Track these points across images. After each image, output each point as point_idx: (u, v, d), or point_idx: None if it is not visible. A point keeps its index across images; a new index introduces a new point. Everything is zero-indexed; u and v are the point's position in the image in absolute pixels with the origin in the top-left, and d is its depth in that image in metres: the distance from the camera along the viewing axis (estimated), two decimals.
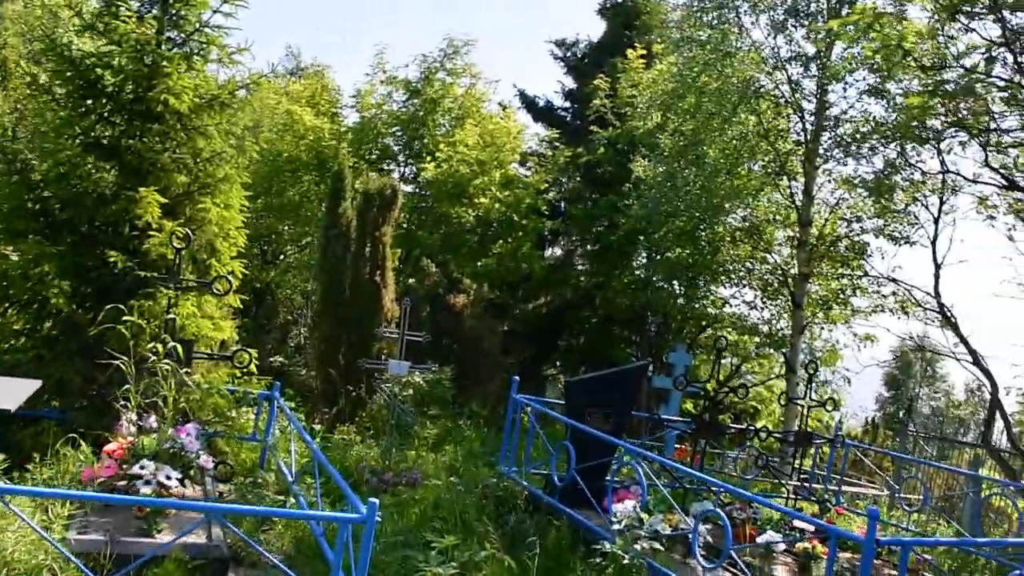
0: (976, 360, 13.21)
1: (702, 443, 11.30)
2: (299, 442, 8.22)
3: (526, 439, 10.97)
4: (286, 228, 21.01)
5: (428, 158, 19.65)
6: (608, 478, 10.94)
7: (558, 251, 26.76)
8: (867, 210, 15.90)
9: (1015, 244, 13.22)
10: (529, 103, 27.21)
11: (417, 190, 20.47)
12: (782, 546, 8.85)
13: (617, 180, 22.28)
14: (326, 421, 14.30)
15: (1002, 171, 12.53)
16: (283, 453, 8.66)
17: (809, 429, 11.66)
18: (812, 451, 12.78)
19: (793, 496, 10.82)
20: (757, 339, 19.48)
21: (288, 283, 20.12)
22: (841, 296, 16.85)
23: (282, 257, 21.14)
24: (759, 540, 8.74)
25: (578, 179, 24.30)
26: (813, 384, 12.40)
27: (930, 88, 11.72)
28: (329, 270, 14.82)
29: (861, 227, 16.19)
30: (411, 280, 18.13)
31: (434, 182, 19.44)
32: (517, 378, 11.14)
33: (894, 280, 14.85)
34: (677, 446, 18.78)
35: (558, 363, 26.52)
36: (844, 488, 12.96)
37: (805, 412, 11.35)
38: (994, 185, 12.66)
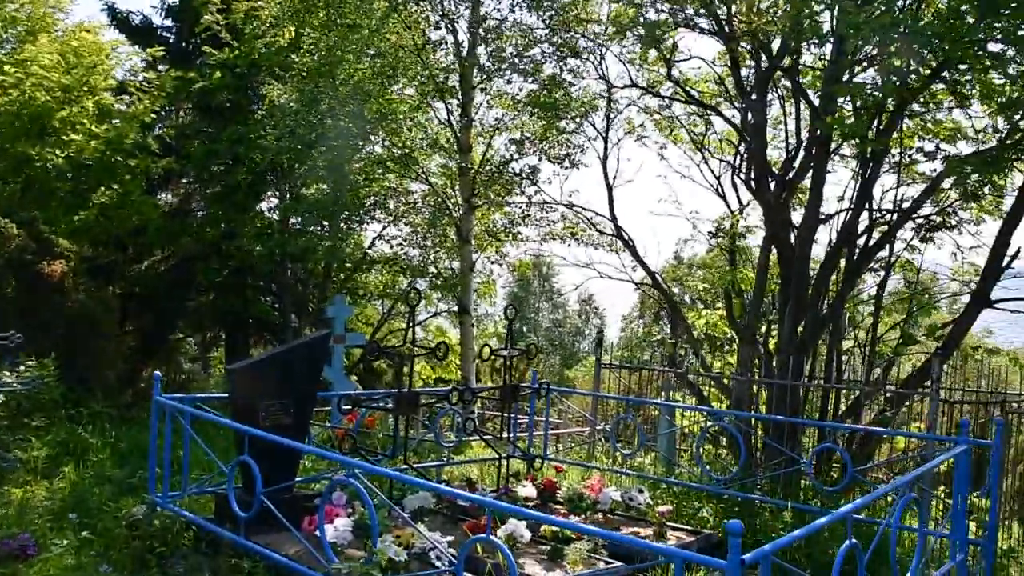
0: (656, 282, 12.47)
1: (404, 420, 9.28)
2: None
3: (181, 446, 8.26)
4: None
5: None
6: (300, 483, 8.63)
7: (173, 197, 22.95)
8: (532, 130, 14.57)
9: (667, 162, 12.75)
10: (121, 21, 22.57)
11: None
12: (527, 534, 7.19)
13: (239, 110, 19.07)
14: None
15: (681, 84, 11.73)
16: None
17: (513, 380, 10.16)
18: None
19: (506, 456, 9.28)
20: (423, 280, 17.70)
21: None
22: (509, 227, 15.48)
23: None
24: (501, 532, 6.99)
25: (192, 110, 20.68)
26: (506, 328, 10.93)
27: None
28: None
29: (526, 150, 14.84)
30: None
31: (2, 113, 14.96)
32: (159, 375, 8.21)
33: (571, 205, 13.67)
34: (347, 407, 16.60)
35: (184, 329, 23.02)
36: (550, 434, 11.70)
37: (509, 363, 9.82)
38: (678, 100, 11.82)
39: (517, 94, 14.13)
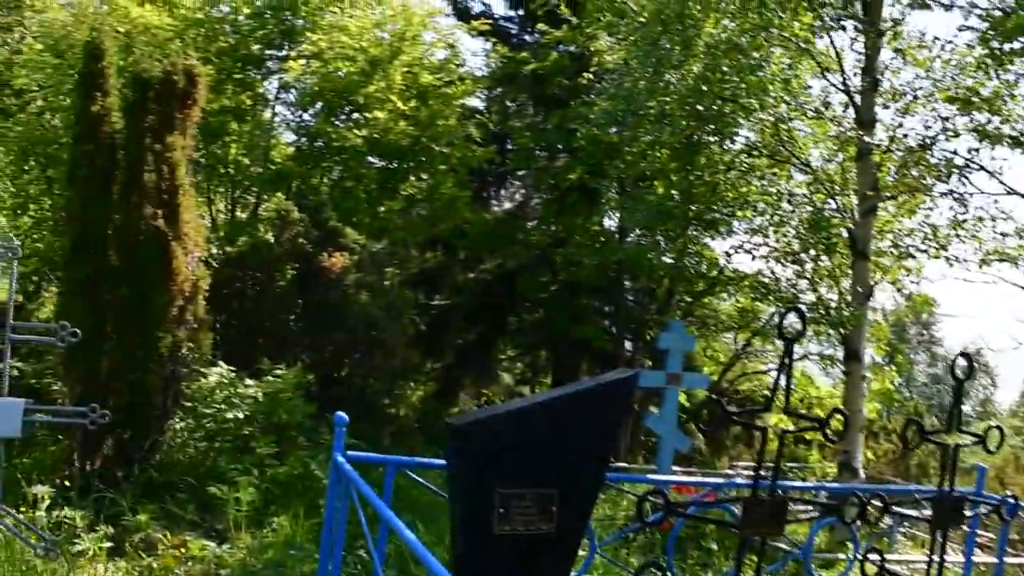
0: None
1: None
2: None
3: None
4: None
5: (294, 53, 13.27)
6: None
7: (508, 204, 20.70)
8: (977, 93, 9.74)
9: None
10: (461, 12, 20.74)
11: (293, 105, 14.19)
12: None
13: (574, 95, 16.03)
14: (77, 475, 8.15)
15: None
16: None
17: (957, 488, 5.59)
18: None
19: None
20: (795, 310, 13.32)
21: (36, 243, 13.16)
22: (932, 236, 10.62)
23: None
24: None
25: (522, 98, 18.18)
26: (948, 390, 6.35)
27: None
28: (78, 214, 8.54)
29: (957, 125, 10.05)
30: (253, 230, 11.72)
31: (304, 91, 13.14)
32: (343, 417, 5.06)
33: None
34: (679, 469, 12.83)
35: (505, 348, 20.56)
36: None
37: (952, 456, 5.27)
38: None
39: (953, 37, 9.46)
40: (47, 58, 12.39)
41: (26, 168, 12.64)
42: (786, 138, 11.31)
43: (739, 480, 16.17)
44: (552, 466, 4.36)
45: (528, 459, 4.30)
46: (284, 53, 13.96)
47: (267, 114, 14.50)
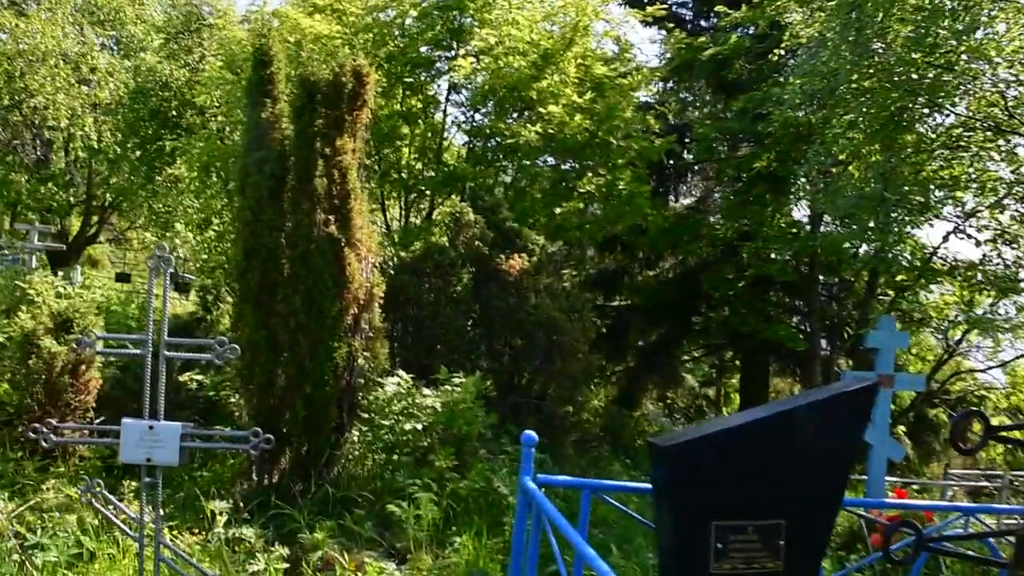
0: None
1: None
2: None
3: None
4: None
5: (462, 52, 12.92)
6: None
7: (687, 200, 19.78)
8: None
9: None
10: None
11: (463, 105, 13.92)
12: None
13: (757, 82, 14.87)
14: (254, 489, 7.96)
15: None
16: None
17: None
18: None
19: None
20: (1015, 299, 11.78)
21: (219, 255, 13.26)
22: None
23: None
24: None
25: (701, 86, 17.20)
26: None
27: None
28: (249, 222, 8.36)
29: None
30: (428, 234, 11.37)
31: (477, 86, 12.78)
32: (532, 437, 4.41)
33: None
34: (890, 480, 11.58)
35: (693, 348, 19.57)
36: None
37: None
38: None
39: None
40: (225, 75, 12.59)
41: (208, 183, 12.92)
42: (1013, 106, 9.91)
43: (952, 493, 14.52)
44: (779, 492, 3.61)
45: (750, 485, 3.57)
46: (453, 53, 13.69)
47: (438, 116, 14.24)
